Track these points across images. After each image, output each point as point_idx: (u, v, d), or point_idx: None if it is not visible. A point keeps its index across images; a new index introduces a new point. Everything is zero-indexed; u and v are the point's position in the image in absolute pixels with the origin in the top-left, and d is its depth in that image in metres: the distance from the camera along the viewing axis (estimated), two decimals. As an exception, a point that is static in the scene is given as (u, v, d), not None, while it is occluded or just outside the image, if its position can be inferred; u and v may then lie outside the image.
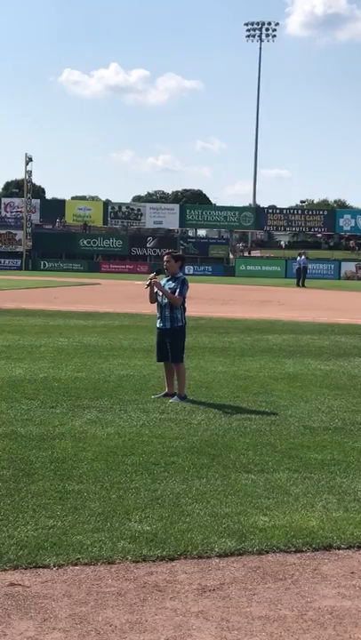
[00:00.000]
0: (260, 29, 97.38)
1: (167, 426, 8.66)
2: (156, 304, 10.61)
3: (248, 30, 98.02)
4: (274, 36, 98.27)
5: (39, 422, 8.61)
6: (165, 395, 10.35)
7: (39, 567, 4.86)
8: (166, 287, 10.41)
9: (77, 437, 7.97)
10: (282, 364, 13.73)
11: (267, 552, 5.21)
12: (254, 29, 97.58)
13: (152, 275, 10.56)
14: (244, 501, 6.13)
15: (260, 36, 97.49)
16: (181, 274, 10.62)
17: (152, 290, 10.47)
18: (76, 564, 4.91)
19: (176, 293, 10.32)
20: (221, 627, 4.18)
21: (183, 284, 10.41)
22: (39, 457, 7.20)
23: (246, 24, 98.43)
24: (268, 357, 14.57)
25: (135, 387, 10.97)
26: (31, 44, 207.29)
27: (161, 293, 10.38)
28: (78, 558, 4.98)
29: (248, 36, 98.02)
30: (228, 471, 6.96)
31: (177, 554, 5.11)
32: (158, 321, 10.60)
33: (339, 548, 5.33)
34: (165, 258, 10.65)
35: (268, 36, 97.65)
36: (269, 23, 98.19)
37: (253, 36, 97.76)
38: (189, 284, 10.70)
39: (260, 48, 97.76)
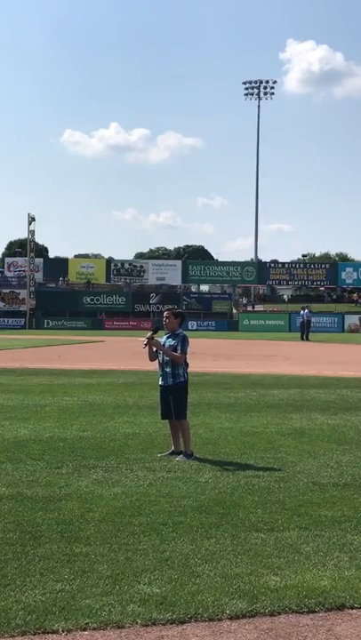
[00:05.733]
0: (259, 87, 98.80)
1: (174, 485, 8.57)
2: (157, 361, 10.58)
3: (246, 89, 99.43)
4: (272, 93, 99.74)
5: (45, 483, 8.53)
6: (172, 453, 10.27)
7: (48, 633, 4.77)
8: (166, 344, 10.40)
9: (84, 498, 7.88)
10: (288, 420, 13.65)
11: (279, 613, 5.11)
12: (252, 88, 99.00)
13: (149, 334, 10.54)
14: (254, 561, 6.03)
15: (258, 94, 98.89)
16: (181, 330, 10.61)
17: (150, 348, 10.45)
18: (84, 629, 4.81)
19: (178, 351, 10.31)
20: None
21: (184, 341, 10.38)
22: (45, 519, 7.11)
23: (245, 82, 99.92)
24: (274, 413, 14.50)
25: (141, 445, 10.90)
26: (32, 105, 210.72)
27: (162, 352, 10.37)
28: (87, 623, 4.88)
29: (247, 94, 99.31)
30: (237, 530, 6.86)
31: (187, 617, 5.01)
32: (160, 378, 10.56)
33: (352, 608, 5.22)
34: (165, 314, 10.67)
35: (266, 93, 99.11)
36: (267, 81, 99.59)
37: (252, 94, 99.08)
38: (191, 340, 10.66)
39: (259, 106, 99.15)
